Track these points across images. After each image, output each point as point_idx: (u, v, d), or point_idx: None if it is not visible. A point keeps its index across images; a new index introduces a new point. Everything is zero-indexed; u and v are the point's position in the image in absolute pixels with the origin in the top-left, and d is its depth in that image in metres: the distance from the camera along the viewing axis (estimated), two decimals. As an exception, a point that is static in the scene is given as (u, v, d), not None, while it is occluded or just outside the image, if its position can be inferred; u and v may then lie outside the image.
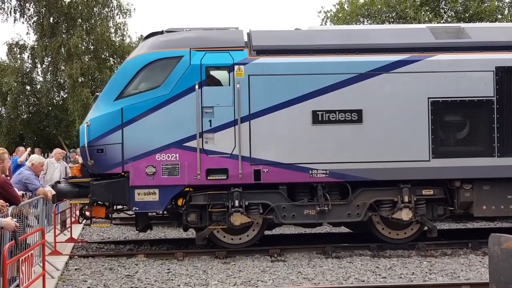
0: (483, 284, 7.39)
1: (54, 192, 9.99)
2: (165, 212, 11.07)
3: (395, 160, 9.98)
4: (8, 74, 28.37)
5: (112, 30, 28.79)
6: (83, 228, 13.65)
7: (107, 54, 28.98)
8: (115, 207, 10.52)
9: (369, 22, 28.03)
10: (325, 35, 10.70)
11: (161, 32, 10.83)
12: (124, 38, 29.53)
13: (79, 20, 27.53)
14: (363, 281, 8.36)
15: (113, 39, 28.78)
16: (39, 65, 29.31)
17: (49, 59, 28.13)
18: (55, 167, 13.82)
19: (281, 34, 10.86)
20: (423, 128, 10.02)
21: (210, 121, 9.90)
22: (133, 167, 9.83)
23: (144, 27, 54.75)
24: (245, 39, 10.50)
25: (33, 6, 27.81)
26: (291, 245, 10.70)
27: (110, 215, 10.43)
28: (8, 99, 28.94)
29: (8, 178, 8.44)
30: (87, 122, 10.00)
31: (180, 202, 10.20)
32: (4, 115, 30.05)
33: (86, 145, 9.86)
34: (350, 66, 10.04)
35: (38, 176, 10.01)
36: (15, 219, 6.53)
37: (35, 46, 28.28)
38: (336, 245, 10.50)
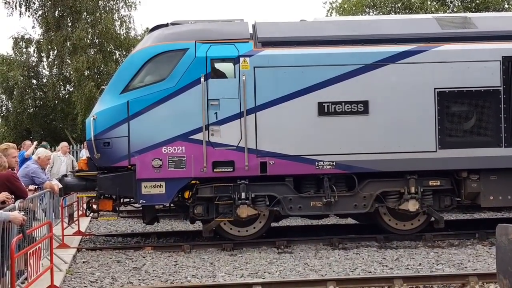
0: (490, 275, 7.37)
1: (60, 186, 10.03)
2: (171, 205, 11.09)
3: (402, 151, 9.95)
4: (14, 68, 28.44)
5: (117, 23, 28.77)
6: (91, 221, 13.71)
7: (112, 47, 28.97)
8: (122, 200, 10.55)
9: (375, 12, 27.89)
10: (331, 26, 10.65)
11: (166, 25, 10.81)
12: (130, 31, 29.52)
13: (84, 13, 27.52)
14: (370, 272, 8.35)
15: (119, 32, 28.76)
16: (45, 59, 29.36)
17: (55, 52, 28.16)
18: (61, 161, 13.87)
19: (287, 26, 10.81)
20: (429, 118, 9.98)
21: (216, 113, 9.89)
22: (140, 160, 9.85)
23: (149, 19, 54.67)
24: (250, 31, 10.47)
25: (38, 0, 27.83)
26: (298, 237, 10.71)
27: (117, 208, 10.46)
28: (15, 93, 29.01)
29: (15, 171, 8.48)
30: (93, 116, 10.02)
31: (186, 194, 10.23)
32: (11, 109, 30.13)
33: (92, 138, 9.89)
34: (356, 57, 9.99)
35: (45, 170, 10.03)
36: (22, 213, 6.56)
37: (41, 40, 28.31)
38: (342, 237, 10.50)
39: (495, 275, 5.75)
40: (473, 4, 26.36)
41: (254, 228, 10.49)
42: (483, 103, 10.05)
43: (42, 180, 9.39)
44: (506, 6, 26.78)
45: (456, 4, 27.43)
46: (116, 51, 29.43)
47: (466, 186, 10.19)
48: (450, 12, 25.71)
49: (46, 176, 9.78)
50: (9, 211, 6.40)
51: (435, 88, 10.00)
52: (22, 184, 7.74)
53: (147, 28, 26.64)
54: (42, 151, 9.91)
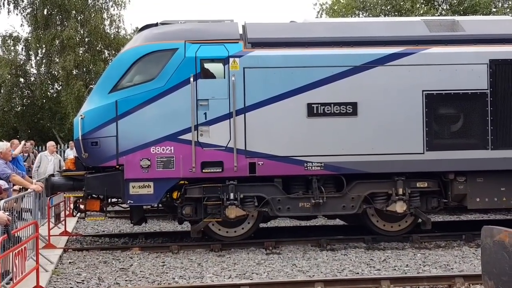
0: (476, 276, 7.43)
1: (38, 186, 9.75)
2: (160, 205, 11.05)
3: (390, 152, 10.00)
4: (2, 66, 28.18)
5: (107, 22, 28.61)
6: (78, 221, 13.62)
7: (101, 46, 28.80)
8: (109, 200, 10.50)
9: (364, 14, 28.00)
10: (320, 28, 10.67)
11: (156, 25, 10.78)
12: (119, 30, 29.37)
13: (73, 11, 27.35)
14: (358, 273, 8.38)
15: (108, 31, 28.60)
16: (33, 57, 29.14)
17: (43, 51, 27.95)
18: (48, 160, 13.76)
19: (276, 27, 10.82)
20: (417, 120, 10.03)
21: (205, 113, 9.87)
22: (128, 160, 9.81)
23: (139, 19, 54.43)
24: (240, 31, 10.47)
25: (27, -2, 27.64)
26: (286, 238, 10.72)
27: (104, 208, 10.40)
28: (2, 91, 28.74)
29: None
30: (81, 115, 9.97)
31: (175, 195, 10.19)
32: (-2, 107, 29.86)
33: (80, 138, 9.83)
34: (345, 59, 10.02)
35: (6, 162, 9.55)
36: (7, 213, 6.51)
37: (29, 38, 28.10)
38: (330, 238, 10.53)
39: (481, 276, 5.79)
40: (461, 8, 26.55)
41: (243, 229, 10.48)
42: (470, 105, 10.12)
43: (6, 174, 9.09)
44: (494, 9, 27.01)
45: (445, 7, 27.62)
46: (105, 50, 29.26)
47: (453, 188, 10.26)
48: (438, 15, 25.88)
49: (10, 170, 9.38)
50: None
51: (423, 91, 10.06)
52: None
53: (137, 28, 26.54)
54: (2, 145, 9.55)
